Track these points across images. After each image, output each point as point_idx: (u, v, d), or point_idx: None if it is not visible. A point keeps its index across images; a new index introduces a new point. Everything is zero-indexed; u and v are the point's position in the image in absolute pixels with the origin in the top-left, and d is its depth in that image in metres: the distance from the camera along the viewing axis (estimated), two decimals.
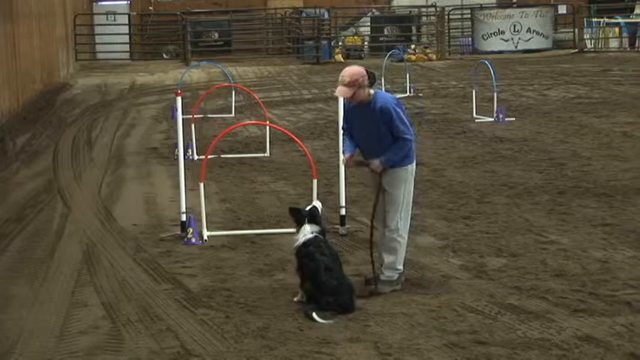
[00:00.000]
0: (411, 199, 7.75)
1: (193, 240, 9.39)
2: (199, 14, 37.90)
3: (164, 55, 36.86)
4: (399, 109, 7.65)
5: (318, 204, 7.73)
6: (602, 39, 36.06)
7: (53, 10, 28.14)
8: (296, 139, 10.40)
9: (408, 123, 7.68)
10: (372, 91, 7.72)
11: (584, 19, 36.63)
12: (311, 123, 18.20)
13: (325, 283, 7.14)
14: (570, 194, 11.23)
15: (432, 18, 37.66)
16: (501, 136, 15.71)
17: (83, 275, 8.47)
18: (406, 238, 7.78)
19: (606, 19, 36.08)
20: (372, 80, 7.71)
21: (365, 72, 7.70)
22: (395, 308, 7.30)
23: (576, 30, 36.55)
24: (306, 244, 7.37)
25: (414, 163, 7.75)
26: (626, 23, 35.86)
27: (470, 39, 36.71)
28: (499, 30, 35.96)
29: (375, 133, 7.62)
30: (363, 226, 9.91)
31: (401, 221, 7.70)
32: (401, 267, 7.78)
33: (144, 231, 10.00)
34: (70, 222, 10.56)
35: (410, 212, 7.77)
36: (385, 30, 37.32)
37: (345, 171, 10.01)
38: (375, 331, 6.85)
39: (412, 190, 7.74)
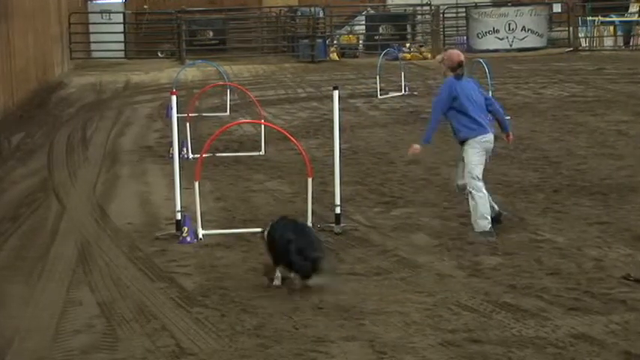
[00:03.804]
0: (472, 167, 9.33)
1: (188, 239, 9.38)
2: (194, 13, 37.84)
3: (159, 54, 36.79)
4: (441, 95, 9.47)
5: None
6: (596, 37, 36.08)
7: (48, 8, 28.09)
8: (291, 137, 10.40)
9: (436, 107, 9.56)
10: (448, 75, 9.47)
11: (579, 17, 36.63)
12: (306, 121, 18.19)
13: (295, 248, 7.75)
14: (565, 193, 11.24)
15: (427, 16, 37.66)
16: (496, 135, 15.67)
17: (78, 274, 8.46)
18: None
19: (601, 18, 36.10)
20: (455, 68, 9.37)
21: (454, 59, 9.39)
22: (390, 307, 7.31)
23: (571, 28, 36.56)
24: (272, 226, 8.13)
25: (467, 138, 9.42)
26: (621, 22, 35.89)
27: (465, 37, 36.69)
28: (494, 28, 35.95)
29: None
30: (358, 225, 9.91)
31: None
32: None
33: (139, 230, 9.99)
34: (65, 221, 10.55)
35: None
36: (380, 28, 37.29)
37: (340, 169, 10.01)
38: (371, 329, 6.86)
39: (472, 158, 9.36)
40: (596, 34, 36.15)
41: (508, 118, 17.33)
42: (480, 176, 9.25)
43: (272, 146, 14.85)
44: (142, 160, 14.45)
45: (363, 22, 38.01)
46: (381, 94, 21.52)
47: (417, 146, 9.65)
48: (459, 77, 9.38)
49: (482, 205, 9.21)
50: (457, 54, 9.54)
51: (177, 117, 10.18)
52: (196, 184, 9.50)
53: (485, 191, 9.29)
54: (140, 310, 7.38)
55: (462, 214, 10.25)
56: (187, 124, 14.30)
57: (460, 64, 9.37)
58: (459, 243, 9.12)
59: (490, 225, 9.20)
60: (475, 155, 9.28)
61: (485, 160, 9.40)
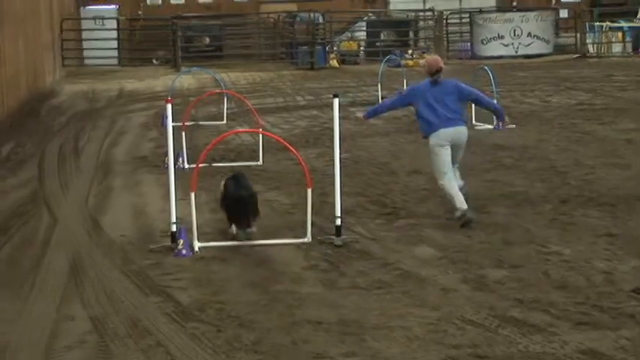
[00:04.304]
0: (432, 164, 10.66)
1: (184, 251, 9.38)
2: (190, 19, 37.91)
3: (154, 61, 36.86)
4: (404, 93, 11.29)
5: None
6: (604, 44, 36.14)
7: (39, 13, 28.13)
8: (290, 147, 10.40)
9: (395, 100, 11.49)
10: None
11: (586, 23, 36.71)
12: (305, 130, 18.21)
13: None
14: (573, 203, 11.24)
15: (430, 22, 37.74)
16: (502, 144, 15.73)
17: (70, 288, 8.46)
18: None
19: (609, 23, 36.17)
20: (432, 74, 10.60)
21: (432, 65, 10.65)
22: (392, 321, 7.30)
23: (578, 34, 36.64)
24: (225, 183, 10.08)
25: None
26: (630, 27, 35.97)
27: (469, 44, 36.78)
28: (499, 34, 36.03)
29: None
30: (359, 237, 9.91)
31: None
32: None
33: (132, 242, 9.99)
34: (56, 233, 10.55)
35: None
36: (382, 34, 37.38)
37: (341, 180, 10.01)
38: (372, 345, 6.85)
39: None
40: (604, 40, 36.22)
41: (513, 127, 17.48)
42: (444, 169, 10.49)
43: (270, 156, 14.86)
44: (136, 171, 14.46)
45: (364, 28, 38.09)
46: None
47: (360, 115, 11.30)
48: (434, 82, 10.60)
49: (451, 189, 10.41)
50: (436, 61, 10.77)
51: (173, 126, 10.19)
52: (192, 195, 9.50)
53: (452, 181, 10.46)
54: (134, 326, 7.37)
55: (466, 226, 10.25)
56: (183, 134, 14.31)
57: (438, 71, 10.60)
58: (464, 255, 9.12)
59: (463, 209, 10.29)
60: (431, 154, 10.61)
61: (455, 149, 10.57)
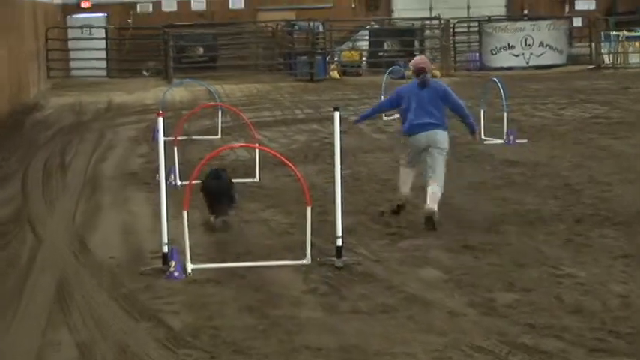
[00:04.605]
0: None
1: (176, 274, 9.38)
2: (182, 27, 38.04)
3: (144, 72, 36.97)
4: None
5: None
6: (620, 54, 36.24)
7: (23, 22, 28.23)
8: (288, 163, 10.42)
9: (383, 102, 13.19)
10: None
11: (602, 32, 36.82)
12: (304, 145, 18.24)
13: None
14: (588, 223, 11.25)
15: (436, 31, 37.84)
16: (512, 160, 15.76)
17: (55, 312, 8.46)
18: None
19: (625, 33, 36.28)
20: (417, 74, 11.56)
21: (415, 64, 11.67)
22: (396, 347, 7.31)
23: (593, 44, 36.74)
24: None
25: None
26: None
27: (477, 54, 36.89)
28: (509, 44, 36.14)
29: None
30: (361, 258, 9.92)
31: None
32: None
33: (122, 264, 10.00)
34: (41, 254, 10.55)
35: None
36: (385, 44, 37.49)
37: (342, 198, 10.03)
38: None
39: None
40: (620, 50, 36.31)
41: (524, 141, 17.51)
42: (408, 159, 11.65)
43: (267, 172, 14.88)
44: (125, 188, 14.48)
45: (367, 38, 38.19)
46: (386, 116, 21.58)
47: (352, 119, 12.28)
48: (421, 84, 11.47)
49: (402, 177, 11.68)
50: (418, 61, 11.76)
51: (164, 140, 10.21)
52: (185, 214, 9.51)
53: (408, 174, 11.64)
54: (123, 352, 7.38)
55: (474, 247, 10.27)
56: (175, 149, 14.33)
57: (421, 70, 11.45)
58: (472, 278, 9.13)
59: (402, 193, 11.61)
60: (404, 146, 11.77)
61: (430, 152, 11.39)
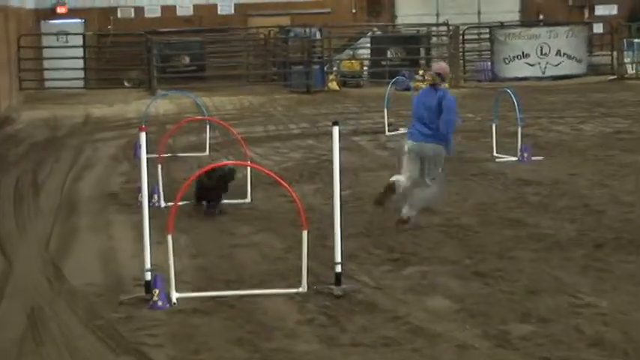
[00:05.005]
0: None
1: (159, 303, 9.38)
2: (168, 34, 38.10)
3: (125, 83, 37.01)
4: None
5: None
6: None
7: None
8: (282, 182, 10.44)
9: None
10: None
11: (624, 39, 36.90)
12: (300, 163, 18.26)
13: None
14: (609, 248, 11.26)
15: (444, 38, 37.92)
16: (527, 179, 15.78)
17: (28, 344, 8.45)
18: None
19: None
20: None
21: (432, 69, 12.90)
22: None
23: (615, 53, 36.81)
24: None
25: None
26: None
27: (489, 63, 36.93)
28: (523, 53, 36.22)
29: None
30: (362, 286, 9.92)
31: None
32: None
33: (100, 292, 10.00)
34: (12, 281, 10.55)
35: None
36: (388, 52, 37.53)
37: (341, 220, 10.04)
38: None
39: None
40: None
41: (540, 158, 17.53)
42: (403, 169, 12.60)
43: (260, 192, 14.89)
44: (104, 210, 14.48)
45: (368, 45, 38.26)
46: (389, 131, 21.63)
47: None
48: (432, 89, 12.49)
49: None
50: (436, 67, 13.06)
51: (147, 158, 10.22)
52: (169, 238, 9.52)
53: (403, 180, 12.41)
54: None
55: (485, 274, 10.28)
56: (159, 167, 14.34)
57: (437, 75, 12.44)
58: (484, 308, 9.13)
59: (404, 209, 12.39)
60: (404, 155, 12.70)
61: (424, 161, 12.37)
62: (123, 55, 38.08)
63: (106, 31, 39.05)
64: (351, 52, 37.98)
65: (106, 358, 8.09)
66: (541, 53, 36.23)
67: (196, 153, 19.38)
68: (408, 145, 12.53)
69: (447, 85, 12.55)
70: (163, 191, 14.27)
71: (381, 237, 12.08)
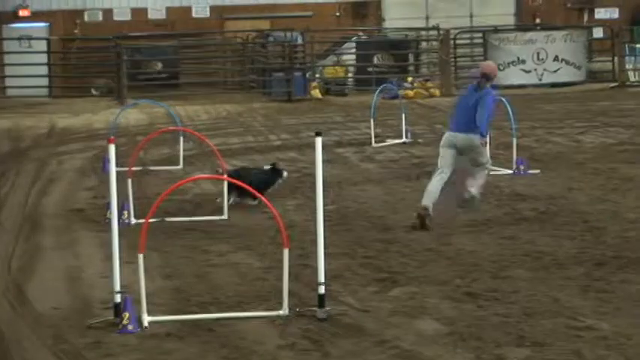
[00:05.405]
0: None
1: (130, 327, 9.37)
2: (138, 39, 38.10)
3: (93, 91, 36.97)
4: None
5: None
6: None
7: None
8: (261, 197, 10.44)
9: None
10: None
11: (626, 44, 37.05)
12: None
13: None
14: (610, 267, 11.30)
15: (434, 43, 38.01)
16: (523, 193, 15.82)
17: None
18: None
19: None
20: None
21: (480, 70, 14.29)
22: None
23: (616, 58, 36.95)
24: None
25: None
26: None
27: None
28: (519, 58, 36.35)
29: None
30: (347, 308, 9.93)
31: None
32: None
33: (66, 316, 9.98)
34: None
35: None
36: (375, 58, 37.63)
37: (325, 238, 10.04)
38: None
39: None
40: None
41: (537, 172, 17.59)
42: (439, 165, 13.81)
43: (237, 209, 14.90)
44: (70, 227, 14.46)
45: (353, 51, 38.32)
46: (376, 142, 21.67)
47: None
48: (477, 88, 13.88)
49: (431, 185, 13.65)
50: (483, 66, 14.62)
51: (117, 171, 10.22)
52: (140, 258, 9.51)
53: (438, 181, 13.61)
54: None
55: (479, 295, 10.30)
56: (129, 181, 14.34)
57: (482, 76, 13.86)
58: (477, 331, 9.15)
59: (427, 204, 13.41)
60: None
61: (465, 154, 13.73)
62: (90, 62, 38.07)
63: (72, 36, 39.02)
64: (335, 58, 38.05)
65: None
66: (538, 59, 36.36)
67: (169, 166, 19.37)
68: (450, 137, 13.76)
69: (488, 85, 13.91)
70: (134, 207, 14.26)
71: (366, 256, 12.10)
